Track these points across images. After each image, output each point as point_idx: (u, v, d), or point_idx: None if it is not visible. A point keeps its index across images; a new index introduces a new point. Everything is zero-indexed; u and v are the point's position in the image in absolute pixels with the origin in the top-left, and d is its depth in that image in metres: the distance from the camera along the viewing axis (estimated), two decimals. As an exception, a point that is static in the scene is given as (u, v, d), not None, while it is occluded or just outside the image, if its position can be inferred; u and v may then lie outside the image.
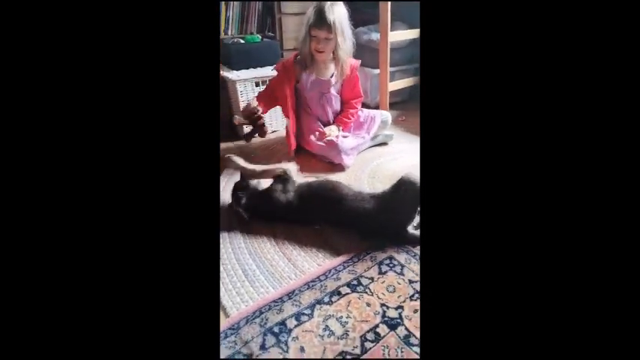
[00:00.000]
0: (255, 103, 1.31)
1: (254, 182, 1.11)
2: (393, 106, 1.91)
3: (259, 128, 1.34)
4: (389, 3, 1.66)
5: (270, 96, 1.42)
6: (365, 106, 1.83)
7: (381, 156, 1.49)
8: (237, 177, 1.14)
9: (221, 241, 0.98)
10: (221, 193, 1.24)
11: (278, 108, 1.54)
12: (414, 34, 1.91)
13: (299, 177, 1.10)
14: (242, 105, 1.65)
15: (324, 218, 1.01)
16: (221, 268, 0.88)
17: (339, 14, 1.30)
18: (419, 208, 0.95)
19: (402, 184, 0.93)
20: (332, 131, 1.44)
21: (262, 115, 1.32)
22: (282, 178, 1.06)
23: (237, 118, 1.34)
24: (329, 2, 1.29)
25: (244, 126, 1.43)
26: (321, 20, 1.28)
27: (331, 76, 1.45)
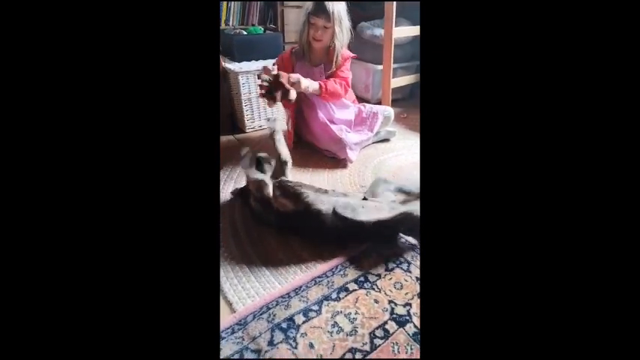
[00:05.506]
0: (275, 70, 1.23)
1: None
2: (394, 103, 1.90)
3: (283, 93, 1.21)
4: (394, 3, 1.66)
5: None
6: (366, 102, 1.83)
7: (383, 153, 1.48)
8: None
9: (225, 235, 0.96)
10: (223, 187, 1.22)
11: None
12: (417, 31, 1.90)
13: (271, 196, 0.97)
14: (244, 98, 1.63)
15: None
16: (225, 262, 0.86)
17: (338, 4, 1.31)
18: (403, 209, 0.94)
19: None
20: (302, 82, 1.27)
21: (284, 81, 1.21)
22: (260, 199, 0.98)
23: (262, 78, 1.21)
24: None
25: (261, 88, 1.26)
26: (320, 8, 1.29)
27: (322, 65, 1.42)
